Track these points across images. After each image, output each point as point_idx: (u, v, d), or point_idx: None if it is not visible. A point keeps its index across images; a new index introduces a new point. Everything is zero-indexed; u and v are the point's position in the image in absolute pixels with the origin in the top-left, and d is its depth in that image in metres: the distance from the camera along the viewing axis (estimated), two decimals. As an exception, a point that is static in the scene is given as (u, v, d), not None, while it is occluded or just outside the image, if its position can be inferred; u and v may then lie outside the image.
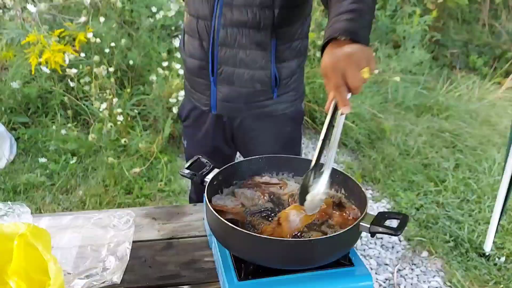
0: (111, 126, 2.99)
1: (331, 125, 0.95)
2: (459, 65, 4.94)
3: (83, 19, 3.27)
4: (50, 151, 3.12)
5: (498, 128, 3.64)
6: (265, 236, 0.94)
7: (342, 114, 0.92)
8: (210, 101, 1.52)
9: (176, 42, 3.30)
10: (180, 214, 1.35)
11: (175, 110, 3.08)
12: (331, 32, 0.98)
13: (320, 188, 0.96)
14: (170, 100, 3.09)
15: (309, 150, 3.48)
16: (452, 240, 2.52)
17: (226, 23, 1.38)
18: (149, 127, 3.32)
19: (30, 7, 2.98)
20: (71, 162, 3.03)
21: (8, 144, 3.13)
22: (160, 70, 3.21)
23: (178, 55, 3.26)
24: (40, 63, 2.70)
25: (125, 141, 2.99)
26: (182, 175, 1.15)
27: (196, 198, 1.79)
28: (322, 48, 0.99)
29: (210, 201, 1.07)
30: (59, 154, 3.10)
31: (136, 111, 3.28)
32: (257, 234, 0.94)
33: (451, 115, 3.75)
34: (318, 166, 0.98)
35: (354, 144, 3.44)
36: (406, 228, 0.83)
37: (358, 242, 2.58)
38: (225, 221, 0.94)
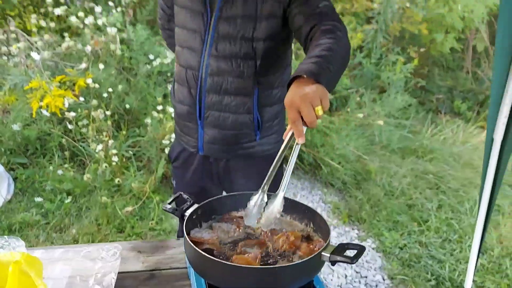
0: (106, 167, 3.11)
1: (284, 151, 1.12)
2: (444, 110, 5.15)
3: (83, 65, 3.47)
4: (46, 191, 3.22)
5: (480, 170, 3.76)
6: (235, 264, 1.04)
7: (297, 144, 1.06)
8: (198, 143, 1.65)
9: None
10: (164, 248, 1.46)
11: (168, 151, 3.21)
12: (297, 71, 1.13)
13: (274, 207, 1.10)
14: (164, 141, 3.24)
15: (298, 190, 3.59)
16: (433, 279, 2.58)
17: (212, 72, 1.53)
18: (143, 167, 3.45)
19: (34, 55, 3.17)
20: (66, 202, 3.12)
21: (6, 184, 3.24)
22: (155, 114, 3.37)
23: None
24: (40, 107, 2.86)
25: (118, 181, 3.10)
26: (164, 209, 1.26)
27: (182, 235, 1.88)
28: (288, 85, 1.13)
29: (188, 233, 1.18)
30: (54, 193, 3.21)
31: (131, 152, 3.42)
32: (228, 262, 1.05)
33: (435, 157, 3.90)
34: (266, 187, 1.16)
35: (341, 184, 3.56)
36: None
37: (343, 281, 2.65)
38: (200, 251, 1.05)
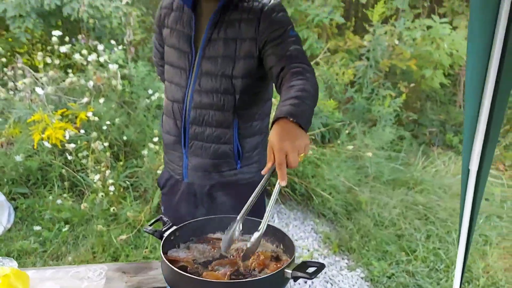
0: (102, 196, 3.23)
1: (264, 186, 1.26)
2: (437, 143, 5.27)
3: (85, 100, 3.65)
4: (45, 220, 3.33)
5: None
6: (204, 279, 1.15)
7: (280, 185, 1.19)
8: (183, 170, 1.78)
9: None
10: (147, 269, 1.56)
11: (162, 181, 3.33)
12: (278, 113, 1.26)
13: (253, 240, 1.23)
14: (159, 171, 3.36)
15: (290, 221, 3.67)
16: (419, 307, 2.63)
17: (195, 106, 1.68)
18: (139, 197, 3.56)
19: (39, 90, 3.36)
20: (64, 230, 3.23)
21: (7, 212, 3.35)
22: (151, 145, 3.51)
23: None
24: (42, 139, 3.02)
25: (113, 209, 3.21)
26: (145, 231, 1.37)
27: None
28: (271, 125, 1.27)
29: (165, 252, 1.29)
30: (53, 222, 3.31)
31: (128, 182, 3.54)
32: (197, 277, 1.15)
33: (425, 189, 3.98)
34: (242, 219, 1.28)
35: (332, 215, 3.64)
36: None
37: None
38: (173, 267, 1.16)
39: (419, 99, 5.38)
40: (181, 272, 1.14)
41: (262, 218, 1.27)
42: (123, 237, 3.02)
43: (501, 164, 4.87)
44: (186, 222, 1.40)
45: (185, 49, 1.67)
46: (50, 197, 3.44)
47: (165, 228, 1.37)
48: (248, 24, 1.58)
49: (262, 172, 1.25)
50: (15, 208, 3.48)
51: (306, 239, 3.46)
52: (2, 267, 1.16)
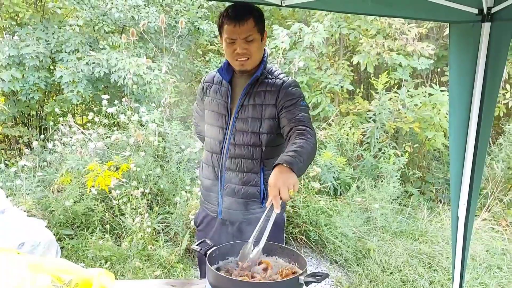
0: (141, 236, 3.69)
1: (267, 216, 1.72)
2: (443, 199, 5.63)
3: (127, 153, 4.22)
4: (88, 258, 3.78)
5: (470, 252, 4.17)
6: (240, 279, 1.60)
7: (275, 212, 1.66)
8: (218, 208, 2.25)
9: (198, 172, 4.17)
10: (189, 284, 1.99)
11: (192, 223, 3.79)
12: (278, 161, 1.75)
13: (255, 253, 1.69)
14: (191, 216, 3.82)
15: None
16: None
17: (231, 155, 2.18)
18: (170, 240, 4.00)
19: (91, 144, 3.94)
20: (104, 267, 3.66)
21: (54, 251, 3.82)
22: (183, 193, 4.01)
23: (198, 181, 4.09)
24: (93, 186, 3.55)
25: (150, 247, 3.65)
26: (193, 248, 1.83)
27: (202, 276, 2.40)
28: (272, 169, 1.76)
29: (211, 264, 1.74)
30: (95, 260, 3.76)
31: (161, 226, 4.00)
32: (235, 278, 1.60)
33: (429, 239, 4.33)
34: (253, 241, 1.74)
35: (343, 261, 4.00)
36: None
37: None
38: (217, 272, 1.61)
39: (424, 158, 5.82)
40: (223, 274, 1.60)
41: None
42: (157, 273, 3.44)
43: (503, 221, 5.18)
44: (224, 244, 1.86)
45: (223, 112, 2.20)
46: (93, 238, 3.91)
47: (208, 248, 1.83)
48: (271, 94, 2.12)
49: (266, 205, 1.72)
50: (61, 248, 3.94)
51: (320, 283, 3.81)
52: (95, 269, 1.63)
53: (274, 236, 2.30)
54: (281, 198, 1.65)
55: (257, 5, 2.15)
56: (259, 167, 2.16)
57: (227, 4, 2.19)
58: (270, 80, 2.15)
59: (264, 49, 2.17)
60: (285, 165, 1.71)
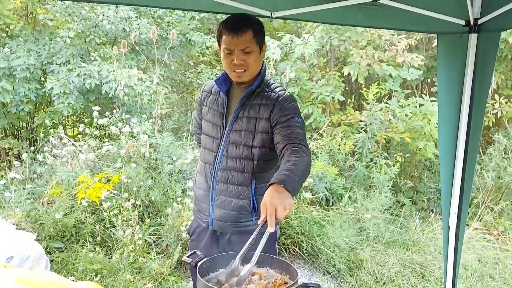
0: (132, 249, 3.65)
1: (258, 232, 1.70)
2: (435, 209, 5.65)
3: (118, 165, 4.19)
4: (78, 271, 3.73)
5: (462, 261, 4.17)
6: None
7: (269, 231, 1.64)
8: (209, 219, 2.24)
9: (190, 183, 4.15)
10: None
11: (184, 234, 3.76)
12: (273, 180, 1.74)
13: (245, 270, 1.65)
14: (181, 228, 3.79)
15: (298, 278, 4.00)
16: None
17: (222, 167, 2.17)
18: (161, 252, 3.97)
19: (82, 156, 3.92)
20: (95, 280, 3.61)
21: (44, 264, 3.77)
22: (175, 205, 3.98)
23: (190, 193, 4.07)
24: (83, 198, 3.52)
25: (142, 260, 3.61)
26: (184, 260, 1.82)
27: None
28: (267, 188, 1.75)
29: (201, 276, 1.72)
30: (85, 273, 3.70)
31: (152, 238, 3.96)
32: (226, 290, 1.58)
33: (421, 249, 4.33)
34: (243, 256, 1.70)
35: (336, 272, 3.99)
36: None
37: None
38: (207, 283, 1.60)
39: (416, 168, 5.85)
40: (213, 286, 1.58)
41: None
42: (149, 286, 3.39)
43: (495, 230, 5.20)
44: (215, 255, 1.85)
45: (218, 123, 2.20)
46: (83, 251, 3.86)
47: (198, 259, 1.81)
48: (265, 108, 2.11)
49: (258, 222, 1.70)
50: (51, 261, 3.89)
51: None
52: (84, 282, 1.60)
53: (266, 248, 2.29)
54: (275, 218, 1.63)
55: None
56: (251, 180, 2.15)
57: (219, 16, 2.20)
58: (266, 93, 2.14)
59: (263, 62, 2.17)
60: (281, 185, 1.70)
